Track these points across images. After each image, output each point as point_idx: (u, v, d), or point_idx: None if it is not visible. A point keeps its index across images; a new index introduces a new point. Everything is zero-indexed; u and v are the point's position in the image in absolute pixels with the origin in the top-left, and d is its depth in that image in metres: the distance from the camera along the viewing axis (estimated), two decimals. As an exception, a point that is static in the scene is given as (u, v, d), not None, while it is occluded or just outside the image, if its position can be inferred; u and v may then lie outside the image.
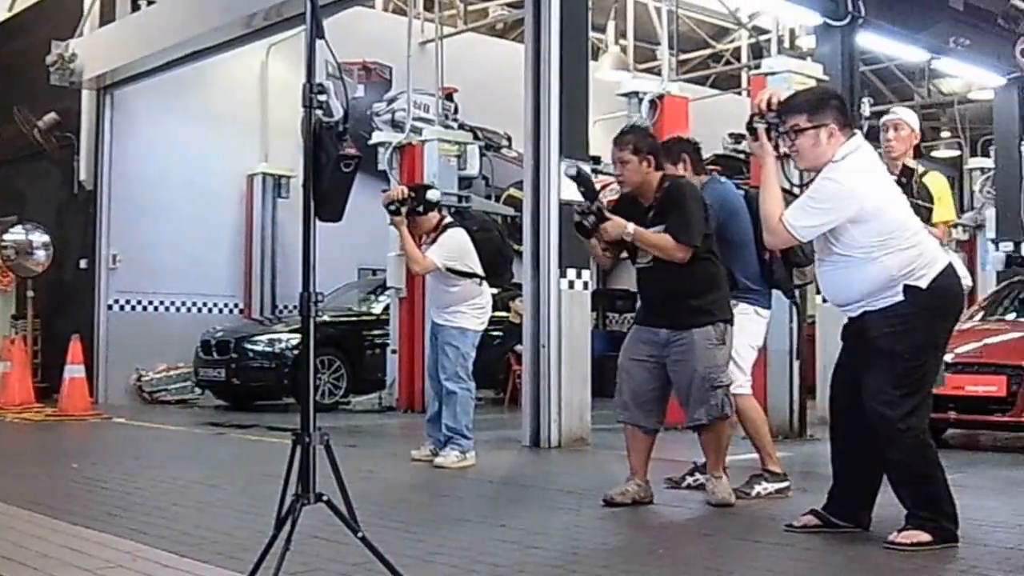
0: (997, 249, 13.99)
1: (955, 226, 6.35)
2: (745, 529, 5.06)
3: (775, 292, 6.22)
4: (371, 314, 13.44)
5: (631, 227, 5.42)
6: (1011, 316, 9.99)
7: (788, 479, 5.96)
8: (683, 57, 16.48)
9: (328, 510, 3.54)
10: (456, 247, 7.35)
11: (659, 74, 11.18)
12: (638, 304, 5.94)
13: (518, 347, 10.39)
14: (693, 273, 5.47)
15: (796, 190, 4.82)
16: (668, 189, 5.53)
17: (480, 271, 7.42)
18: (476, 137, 13.15)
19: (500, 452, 8.34)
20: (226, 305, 15.09)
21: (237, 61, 14.20)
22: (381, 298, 13.31)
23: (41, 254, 13.87)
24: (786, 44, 13.17)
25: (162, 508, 5.56)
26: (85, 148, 14.07)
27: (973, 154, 17.23)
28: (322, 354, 11.96)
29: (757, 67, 10.94)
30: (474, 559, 4.28)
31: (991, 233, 14.84)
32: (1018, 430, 8.83)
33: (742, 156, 11.03)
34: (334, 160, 3.70)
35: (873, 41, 12.78)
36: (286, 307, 14.71)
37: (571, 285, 8.67)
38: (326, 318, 12.49)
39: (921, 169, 6.15)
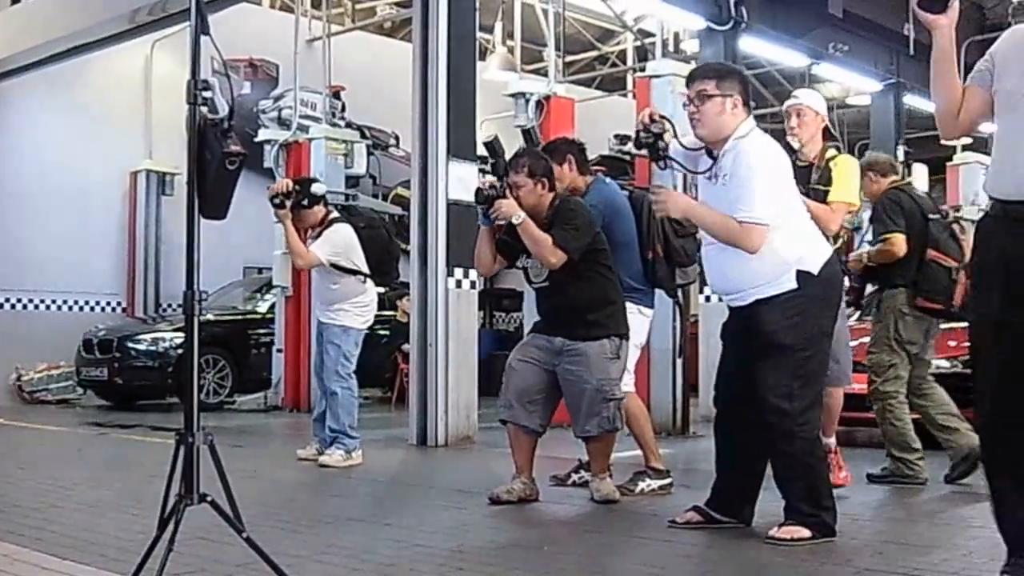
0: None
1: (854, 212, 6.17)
2: (629, 525, 5.13)
3: (658, 291, 6.32)
4: (257, 313, 13.30)
5: (522, 215, 5.45)
6: (885, 315, 10.30)
7: (671, 476, 6.06)
8: (570, 59, 16.64)
9: (212, 510, 3.50)
10: (341, 243, 7.29)
11: (546, 75, 11.25)
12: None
13: (405, 346, 10.39)
14: (588, 288, 5.53)
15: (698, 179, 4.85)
16: (559, 206, 5.58)
17: (365, 268, 7.36)
18: (363, 136, 13.08)
19: (387, 451, 8.33)
20: (108, 303, 14.79)
21: (121, 56, 13.91)
22: (267, 297, 13.20)
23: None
24: (671, 47, 13.40)
25: (41, 510, 5.42)
26: (-36, 143, 13.67)
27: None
28: (206, 353, 11.80)
29: (642, 70, 11.09)
30: (360, 558, 4.27)
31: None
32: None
33: (627, 157, 11.17)
34: (219, 157, 3.66)
35: (755, 45, 13.09)
36: (170, 306, 14.47)
37: (458, 284, 8.70)
38: (210, 317, 12.36)
39: (832, 153, 5.93)
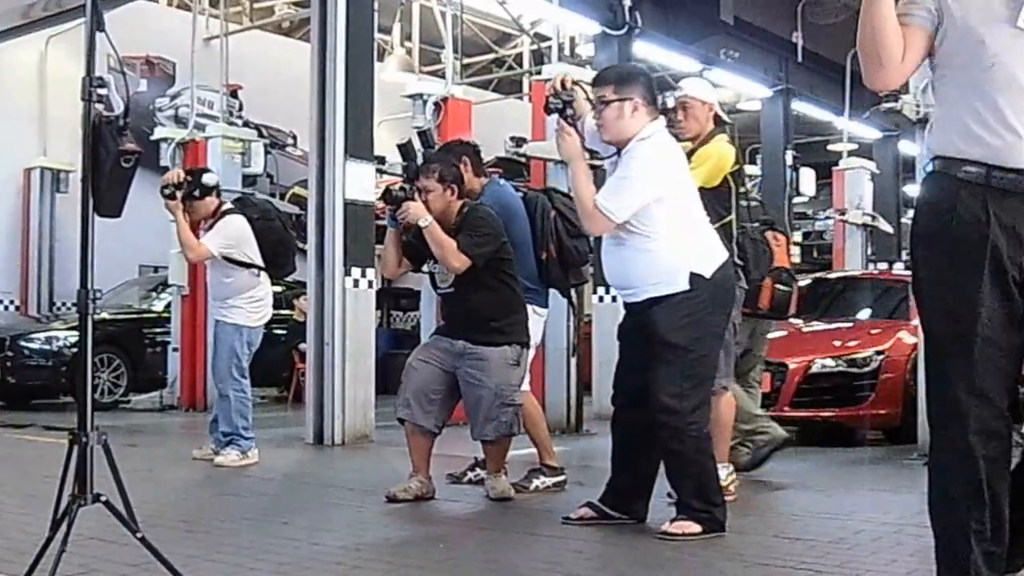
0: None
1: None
2: (524, 522, 5.19)
3: (552, 291, 6.40)
4: (152, 312, 13.12)
5: (429, 218, 5.47)
6: (774, 316, 10.57)
7: (565, 473, 6.15)
8: (467, 61, 16.68)
9: (106, 510, 3.48)
10: (234, 234, 7.17)
11: (443, 77, 11.31)
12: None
13: (302, 345, 10.34)
14: (493, 297, 5.58)
15: (605, 164, 4.88)
16: (467, 213, 5.61)
17: (259, 261, 7.26)
18: (261, 135, 12.97)
19: (283, 450, 8.28)
20: (1, 302, 14.48)
21: (15, 51, 13.56)
22: (163, 296, 13.01)
23: None
24: (567, 51, 13.54)
25: (-72, 513, 5.30)
26: None
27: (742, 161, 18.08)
28: (101, 352, 11.60)
29: (538, 73, 11.22)
30: (256, 557, 4.27)
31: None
32: (781, 423, 9.37)
33: (523, 159, 11.28)
34: (114, 155, 3.64)
35: (649, 51, 13.31)
36: (64, 304, 14.17)
37: (356, 284, 8.70)
38: (105, 316, 12.12)
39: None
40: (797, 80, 16.66)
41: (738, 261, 5.65)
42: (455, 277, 5.59)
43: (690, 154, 5.60)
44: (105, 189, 3.65)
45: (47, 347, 12.10)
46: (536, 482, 6.03)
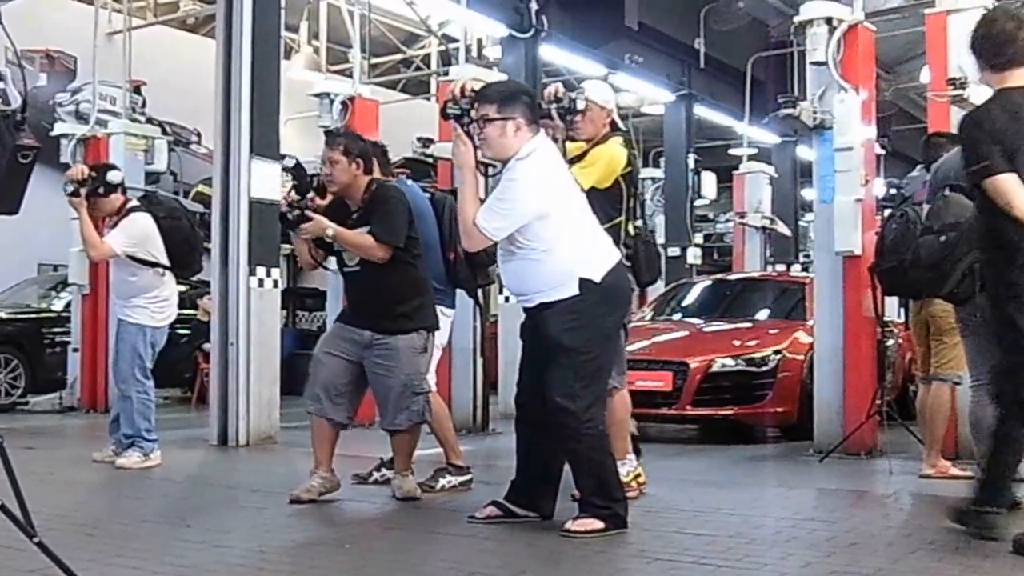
0: (665, 254, 14.93)
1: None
2: (430, 522, 5.21)
3: (459, 292, 6.44)
4: (52, 311, 12.86)
5: (332, 228, 5.46)
6: (677, 316, 10.76)
7: (471, 472, 6.19)
8: (375, 61, 16.62)
9: (2, 515, 3.43)
10: (139, 233, 7.05)
11: (351, 76, 11.27)
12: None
13: (206, 345, 10.23)
14: (399, 278, 5.57)
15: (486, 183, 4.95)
16: (375, 191, 5.60)
17: (165, 260, 7.16)
18: (165, 132, 12.79)
19: (187, 451, 8.19)
20: None
21: (-96, 42, 13.14)
22: (63, 295, 12.74)
23: None
24: (474, 53, 13.59)
25: None
26: None
27: (645, 165, 18.32)
28: (-3, 352, 11.34)
29: (446, 74, 11.25)
30: (159, 560, 4.23)
31: (661, 239, 15.85)
32: (683, 422, 9.56)
33: (430, 160, 11.29)
34: (11, 150, 3.58)
35: (555, 54, 13.43)
36: (-41, 304, 13.78)
37: (260, 283, 8.63)
38: (2, 315, 11.99)
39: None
40: (699, 85, 16.96)
41: (627, 263, 5.76)
42: (361, 258, 5.59)
43: (583, 154, 5.69)
44: (2, 185, 3.59)
45: (-59, 348, 11.79)
46: (443, 481, 6.05)
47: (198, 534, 4.81)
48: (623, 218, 5.69)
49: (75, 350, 11.93)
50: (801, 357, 8.93)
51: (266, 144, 8.77)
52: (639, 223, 5.99)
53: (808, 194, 17.33)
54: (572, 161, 5.61)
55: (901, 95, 19.16)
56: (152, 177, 12.21)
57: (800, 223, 18.05)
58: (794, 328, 9.41)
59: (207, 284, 9.35)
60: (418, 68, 18.85)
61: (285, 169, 5.78)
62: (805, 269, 15.19)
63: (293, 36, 15.93)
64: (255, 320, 8.59)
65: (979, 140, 4.42)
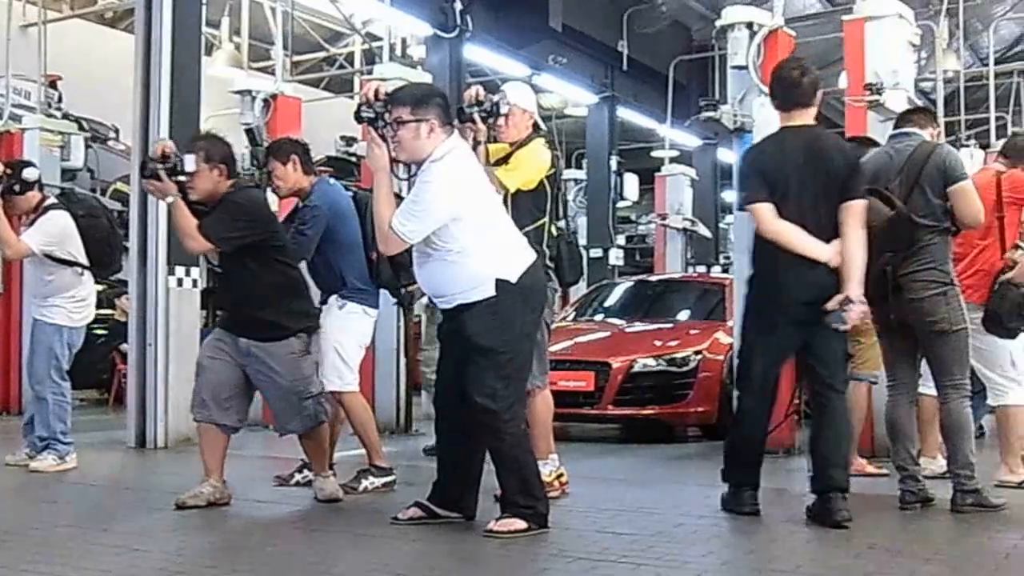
0: (587, 255, 15.02)
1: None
2: (353, 523, 5.19)
3: (384, 292, 6.42)
4: (-39, 311, 12.52)
5: (173, 199, 5.36)
6: (599, 317, 10.84)
7: (394, 473, 6.18)
8: (297, 58, 16.45)
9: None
10: (56, 231, 6.91)
11: (273, 73, 11.18)
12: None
13: (124, 346, 10.07)
14: (259, 285, 5.45)
15: (404, 185, 4.91)
16: (224, 196, 5.44)
17: (83, 259, 7.04)
18: (81, 127, 12.54)
19: (103, 454, 8.07)
20: None
21: None
22: (-26, 294, 12.44)
23: None
24: (398, 52, 13.55)
25: None
26: None
27: (568, 166, 18.42)
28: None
29: (369, 73, 11.20)
30: (75, 566, 4.17)
31: (583, 240, 15.95)
32: (604, 422, 9.63)
33: (354, 159, 11.24)
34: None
35: (479, 54, 13.47)
36: None
37: (180, 283, 8.52)
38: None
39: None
40: (622, 88, 17.09)
41: (549, 264, 5.80)
42: (220, 257, 5.49)
43: (507, 157, 5.73)
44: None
45: None
46: (365, 483, 6.04)
47: (115, 538, 4.75)
48: (547, 219, 5.73)
49: (-12, 351, 11.67)
50: (721, 357, 9.05)
51: (186, 141, 8.64)
52: (562, 224, 6.03)
53: (729, 196, 17.58)
54: (496, 163, 5.64)
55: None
56: (69, 174, 11.96)
57: (720, 225, 18.27)
58: (714, 329, 9.52)
59: (125, 283, 9.19)
60: (341, 66, 18.70)
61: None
62: (725, 271, 15.38)
63: (214, 32, 15.72)
64: (174, 320, 8.48)
65: (747, 173, 5.30)
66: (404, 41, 14.60)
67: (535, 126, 5.91)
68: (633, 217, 22.60)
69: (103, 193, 13.87)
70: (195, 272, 8.66)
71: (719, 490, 5.40)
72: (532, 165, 5.70)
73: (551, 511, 4.86)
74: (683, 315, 10.51)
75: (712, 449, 8.38)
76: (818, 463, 5.07)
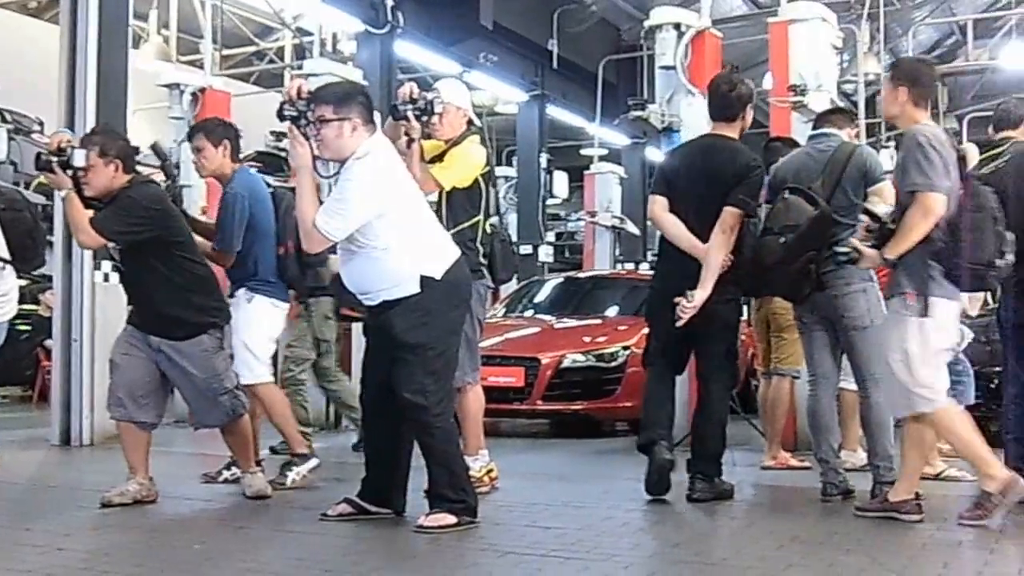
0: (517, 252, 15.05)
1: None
2: (281, 520, 5.18)
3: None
4: None
5: (67, 192, 5.29)
6: (529, 313, 10.90)
7: (316, 456, 6.15)
8: (227, 52, 16.35)
9: None
10: None
11: (202, 67, 11.09)
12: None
13: (48, 342, 9.92)
14: (166, 277, 5.38)
15: (327, 184, 4.91)
16: (119, 192, 5.34)
17: (5, 254, 6.91)
18: (4, 119, 12.37)
19: (27, 452, 7.96)
20: None
21: None
22: None
23: None
24: (329, 47, 13.49)
25: None
26: None
27: (498, 163, 18.46)
28: None
29: (299, 68, 11.15)
30: (-2, 564, 4.11)
31: (513, 237, 15.98)
32: (534, 417, 9.69)
33: (283, 154, 11.17)
34: None
35: (410, 51, 13.44)
36: None
37: (106, 278, 8.39)
38: None
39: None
40: (552, 86, 17.16)
41: (483, 261, 5.84)
42: (121, 255, 5.45)
43: (442, 154, 5.76)
44: None
45: None
46: (291, 475, 6.01)
47: (38, 537, 4.68)
48: (481, 216, 5.78)
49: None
50: (649, 354, 9.12)
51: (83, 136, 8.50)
52: (495, 221, 6.07)
53: (657, 194, 17.69)
54: (431, 161, 5.67)
55: (746, 100, 19.72)
56: (-9, 167, 11.79)
57: (649, 223, 18.37)
58: (642, 325, 9.48)
59: (49, 279, 9.05)
60: (271, 61, 18.58)
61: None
62: (653, 268, 15.48)
63: (142, 25, 15.50)
64: (100, 316, 8.36)
65: (657, 169, 6.19)
66: (335, 36, 14.55)
67: (469, 123, 5.94)
68: (562, 214, 22.71)
69: (26, 187, 13.63)
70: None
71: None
72: (467, 162, 5.75)
73: (481, 506, 4.90)
74: (612, 311, 10.60)
75: (639, 444, 8.49)
76: (694, 447, 5.69)
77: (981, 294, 7.85)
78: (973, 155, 6.33)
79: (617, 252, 16.33)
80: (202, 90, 9.97)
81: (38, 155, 5.45)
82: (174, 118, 9.77)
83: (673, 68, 8.09)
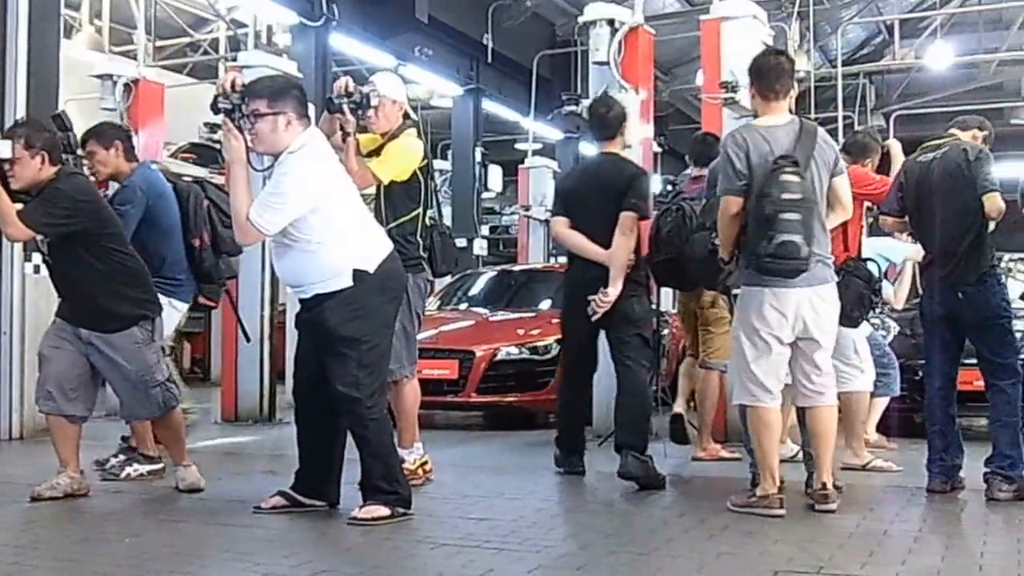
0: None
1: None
2: (215, 513, 5.15)
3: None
4: None
5: None
6: (463, 306, 10.93)
7: (163, 460, 6.02)
8: (160, 43, 16.14)
9: None
10: None
11: (135, 58, 10.97)
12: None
13: (-25, 335, 9.75)
14: (96, 269, 5.33)
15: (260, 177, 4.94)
16: (46, 184, 5.28)
17: None
18: (-72, 109, 12.10)
19: (-47, 447, 7.84)
20: None
21: None
22: None
23: None
24: (264, 39, 13.41)
25: None
26: None
27: (434, 157, 18.42)
28: None
29: (234, 60, 11.06)
30: (-75, 560, 4.06)
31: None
32: (468, 409, 9.72)
33: (217, 146, 11.09)
34: None
35: (345, 43, 13.38)
36: None
37: (36, 270, 8.27)
38: None
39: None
40: (487, 80, 17.20)
41: (423, 254, 5.87)
42: (50, 247, 5.41)
43: (379, 148, 5.78)
44: None
45: None
46: (128, 469, 6.00)
47: (-34, 532, 4.64)
48: (420, 210, 5.81)
49: None
50: (582, 346, 9.19)
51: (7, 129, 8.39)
52: (434, 214, 6.10)
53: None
54: (369, 155, 5.68)
55: (677, 96, 19.97)
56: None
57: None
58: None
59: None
60: (206, 52, 18.37)
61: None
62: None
63: (74, 14, 15.27)
64: (30, 308, 8.26)
65: (555, 192, 6.94)
66: (270, 28, 14.46)
67: (405, 116, 5.95)
68: (497, 208, 22.75)
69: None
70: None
71: (577, 476, 5.56)
72: (405, 156, 5.78)
73: (415, 498, 4.93)
74: (545, 304, 10.64)
75: (573, 436, 8.55)
76: (617, 425, 5.95)
77: (906, 287, 8.07)
78: (897, 152, 6.57)
79: (551, 246, 16.39)
80: (135, 81, 9.84)
81: None
82: (106, 109, 9.64)
83: (607, 64, 8.15)
